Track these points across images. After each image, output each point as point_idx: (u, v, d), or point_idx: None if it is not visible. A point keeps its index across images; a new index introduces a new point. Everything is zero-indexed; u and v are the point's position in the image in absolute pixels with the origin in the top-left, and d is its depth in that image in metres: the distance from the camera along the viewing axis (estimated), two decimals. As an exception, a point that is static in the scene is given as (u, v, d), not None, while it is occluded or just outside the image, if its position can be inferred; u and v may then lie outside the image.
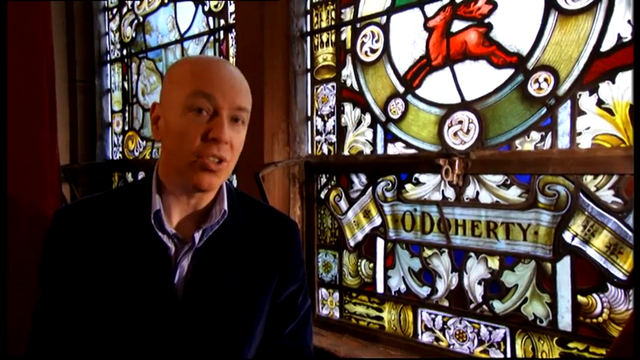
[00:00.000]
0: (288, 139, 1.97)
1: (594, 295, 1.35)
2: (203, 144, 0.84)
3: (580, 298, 1.37)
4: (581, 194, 1.36)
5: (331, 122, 1.93)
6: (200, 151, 0.84)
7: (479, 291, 1.57)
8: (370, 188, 1.81)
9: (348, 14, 1.88)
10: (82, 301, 0.87)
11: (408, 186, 1.71)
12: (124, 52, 2.86)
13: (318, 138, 1.99)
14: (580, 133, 1.36)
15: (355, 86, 1.86)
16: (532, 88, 1.44)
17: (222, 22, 2.26)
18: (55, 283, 0.90)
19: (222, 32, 2.27)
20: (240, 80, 0.89)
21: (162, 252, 0.89)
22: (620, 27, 1.29)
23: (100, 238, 0.89)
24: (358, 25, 1.84)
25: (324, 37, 1.95)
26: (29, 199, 2.02)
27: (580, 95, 1.36)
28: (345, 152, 1.89)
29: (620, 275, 1.30)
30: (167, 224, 0.89)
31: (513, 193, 1.48)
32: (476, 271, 1.57)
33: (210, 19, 2.33)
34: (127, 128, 2.85)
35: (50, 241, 0.91)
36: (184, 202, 0.92)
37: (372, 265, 1.82)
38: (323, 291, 1.98)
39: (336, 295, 1.93)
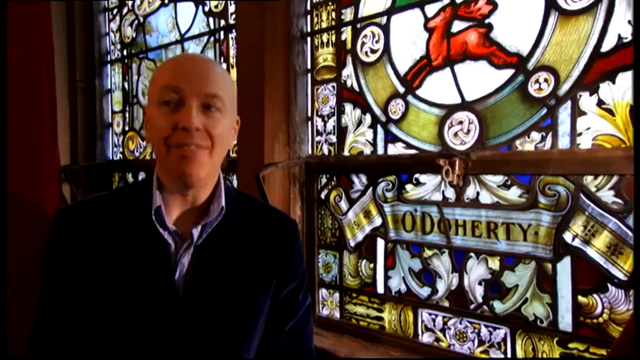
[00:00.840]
0: (288, 139, 1.97)
1: (595, 295, 1.35)
2: (173, 133, 0.85)
3: (580, 298, 1.37)
4: (581, 195, 1.36)
5: (331, 122, 1.94)
6: (172, 141, 0.86)
7: (479, 291, 1.57)
8: (370, 189, 1.81)
9: (348, 15, 1.88)
10: (84, 299, 0.88)
11: (409, 186, 1.71)
12: (125, 52, 2.86)
13: (318, 138, 1.99)
14: (580, 134, 1.36)
15: (355, 86, 1.86)
16: (532, 89, 1.44)
17: (223, 22, 2.26)
18: (57, 281, 0.90)
19: (222, 33, 2.27)
20: (211, 69, 0.90)
21: (163, 249, 0.89)
22: (621, 27, 1.29)
23: (102, 236, 0.90)
24: (358, 26, 1.84)
25: (325, 37, 1.95)
26: (30, 199, 2.02)
27: (580, 96, 1.36)
28: (346, 153, 1.90)
29: (621, 276, 1.30)
30: (168, 221, 0.90)
31: (514, 194, 1.48)
32: (476, 271, 1.57)
33: (211, 19, 2.33)
34: (127, 129, 2.85)
35: (52, 241, 0.91)
36: (182, 198, 0.92)
37: (372, 265, 1.82)
38: (323, 291, 1.98)
39: (337, 295, 1.93)
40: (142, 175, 2.70)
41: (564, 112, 1.38)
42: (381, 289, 1.80)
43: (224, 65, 2.22)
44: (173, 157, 0.86)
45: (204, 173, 0.89)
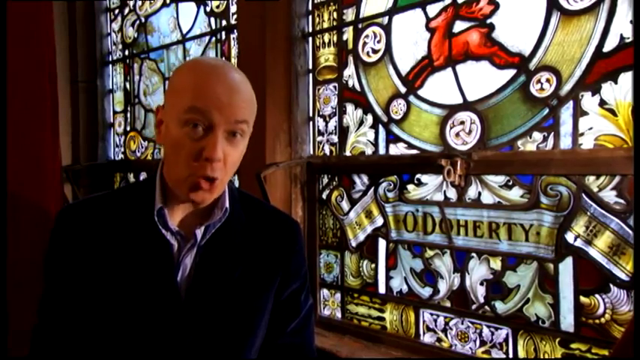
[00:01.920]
0: (289, 139, 1.97)
1: (597, 295, 1.34)
2: (196, 164, 0.83)
3: (582, 298, 1.37)
4: (583, 195, 1.36)
5: (333, 123, 1.93)
6: (192, 171, 0.83)
7: (481, 292, 1.56)
8: (372, 189, 1.81)
9: (349, 15, 1.88)
10: (86, 298, 0.88)
11: (410, 186, 1.71)
12: (126, 52, 2.86)
13: (319, 138, 1.99)
14: (582, 134, 1.36)
15: (357, 87, 1.86)
16: (534, 89, 1.44)
17: (224, 22, 2.26)
18: (59, 280, 0.90)
19: (223, 33, 2.27)
20: (241, 90, 0.86)
21: (165, 249, 0.89)
22: (623, 27, 1.29)
23: (104, 235, 0.89)
24: (360, 26, 1.84)
25: (326, 37, 1.95)
26: (31, 199, 2.02)
27: (582, 96, 1.35)
28: (347, 153, 1.89)
29: (623, 276, 1.30)
30: (170, 221, 0.90)
31: (515, 194, 1.48)
32: (478, 271, 1.57)
33: (212, 19, 2.33)
34: (128, 129, 2.85)
35: (55, 239, 0.91)
36: (187, 200, 0.92)
37: (373, 265, 1.82)
38: (325, 291, 1.98)
39: (338, 295, 1.93)
40: (143, 175, 2.70)
41: (566, 112, 1.38)
42: (382, 290, 1.80)
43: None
44: (187, 182, 0.84)
45: (212, 198, 0.89)
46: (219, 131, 0.83)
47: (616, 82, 1.29)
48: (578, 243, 1.37)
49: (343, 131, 1.90)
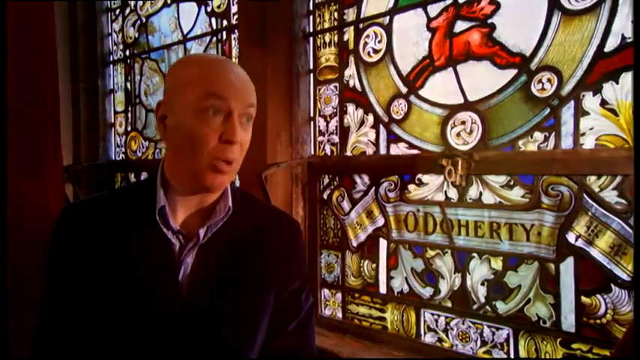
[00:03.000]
0: (290, 139, 1.97)
1: (598, 296, 1.34)
2: (218, 145, 0.85)
3: (584, 299, 1.36)
4: (584, 195, 1.36)
5: (334, 123, 1.93)
6: (215, 153, 0.85)
7: (482, 292, 1.56)
8: (373, 189, 1.81)
9: (350, 15, 1.88)
10: (87, 298, 0.88)
11: (411, 186, 1.71)
12: (127, 52, 2.86)
13: (320, 138, 1.99)
14: (584, 134, 1.36)
15: (358, 87, 1.86)
16: (535, 89, 1.44)
17: (225, 22, 2.27)
18: (61, 279, 0.90)
19: (224, 33, 2.27)
20: (246, 77, 0.91)
21: (167, 248, 0.89)
22: (624, 27, 1.28)
23: (106, 235, 0.89)
24: (361, 26, 1.84)
25: (327, 37, 1.95)
26: (32, 199, 2.02)
27: (584, 96, 1.35)
28: (348, 153, 1.89)
29: (624, 276, 1.30)
30: (172, 221, 0.90)
31: (516, 194, 1.48)
32: (479, 271, 1.57)
33: (213, 19, 2.33)
34: (129, 129, 2.85)
35: (56, 238, 0.92)
36: (190, 199, 0.92)
37: (374, 265, 1.82)
38: (326, 291, 1.98)
39: (339, 295, 1.93)
40: (144, 175, 2.70)
41: (567, 112, 1.38)
42: (383, 290, 1.80)
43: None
44: (207, 167, 0.86)
45: (229, 182, 0.92)
46: (236, 114, 0.86)
47: (617, 82, 1.29)
48: (580, 243, 1.37)
49: (344, 131, 1.90)
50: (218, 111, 0.85)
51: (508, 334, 1.51)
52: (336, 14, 1.92)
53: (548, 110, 1.41)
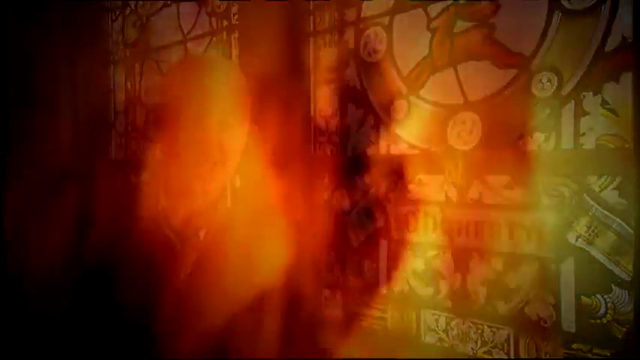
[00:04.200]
0: (290, 139, 1.97)
1: (598, 295, 1.34)
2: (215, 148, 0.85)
3: (584, 298, 1.36)
4: (585, 195, 1.36)
5: (334, 123, 1.93)
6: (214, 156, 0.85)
7: (482, 292, 1.56)
8: (373, 189, 1.81)
9: (350, 15, 1.87)
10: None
11: (411, 186, 1.71)
12: (127, 52, 2.86)
13: (320, 139, 1.99)
14: (584, 134, 1.36)
15: (358, 87, 1.85)
16: (535, 89, 1.43)
17: (225, 22, 2.26)
18: None
19: (225, 33, 2.27)
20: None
21: (167, 248, 0.89)
22: (624, 28, 1.28)
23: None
24: (361, 26, 1.84)
25: (327, 37, 1.95)
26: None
27: (584, 96, 1.35)
28: (348, 153, 1.89)
29: (625, 276, 1.30)
30: (172, 220, 0.90)
31: (516, 194, 1.48)
32: (479, 272, 1.57)
33: (214, 19, 2.33)
34: (129, 129, 2.85)
35: None
36: (198, 191, 0.93)
37: (374, 265, 1.82)
38: (326, 291, 1.97)
39: (339, 295, 1.93)
40: (144, 176, 2.69)
41: (568, 113, 1.38)
42: (383, 290, 1.80)
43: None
44: (192, 175, 0.87)
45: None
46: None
47: (617, 82, 1.29)
48: (580, 243, 1.37)
49: (344, 131, 1.90)
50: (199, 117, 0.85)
51: (508, 334, 1.51)
52: (336, 14, 1.92)
53: (548, 110, 1.41)
